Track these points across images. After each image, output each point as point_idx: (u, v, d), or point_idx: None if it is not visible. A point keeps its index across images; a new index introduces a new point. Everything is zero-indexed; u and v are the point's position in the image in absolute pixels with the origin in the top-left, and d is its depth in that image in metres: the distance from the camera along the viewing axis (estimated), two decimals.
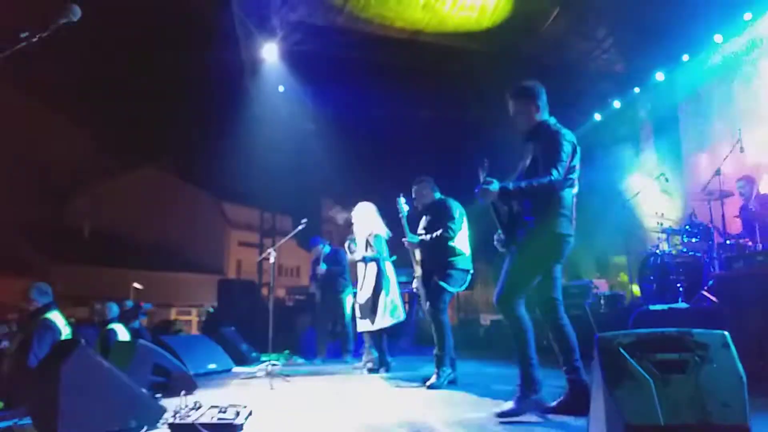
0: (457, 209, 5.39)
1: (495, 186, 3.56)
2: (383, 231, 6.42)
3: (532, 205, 3.69)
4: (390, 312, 6.16)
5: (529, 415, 3.60)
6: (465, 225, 5.42)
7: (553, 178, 3.51)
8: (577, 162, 3.75)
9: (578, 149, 3.77)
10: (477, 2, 8.94)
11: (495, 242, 3.88)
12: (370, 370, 6.33)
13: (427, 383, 5.02)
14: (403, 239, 5.54)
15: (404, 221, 5.58)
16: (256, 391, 5.19)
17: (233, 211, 29.57)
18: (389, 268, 6.34)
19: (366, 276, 6.37)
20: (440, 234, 5.22)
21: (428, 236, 5.33)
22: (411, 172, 5.77)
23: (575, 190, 3.78)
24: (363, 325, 6.35)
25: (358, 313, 6.45)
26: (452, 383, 5.05)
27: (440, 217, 5.33)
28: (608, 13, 8.97)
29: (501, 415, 3.49)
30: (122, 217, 25.93)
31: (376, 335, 6.38)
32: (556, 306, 3.80)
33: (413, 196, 5.63)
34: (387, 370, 6.34)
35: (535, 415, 3.62)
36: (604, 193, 9.17)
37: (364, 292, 6.30)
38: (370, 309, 6.21)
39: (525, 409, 3.50)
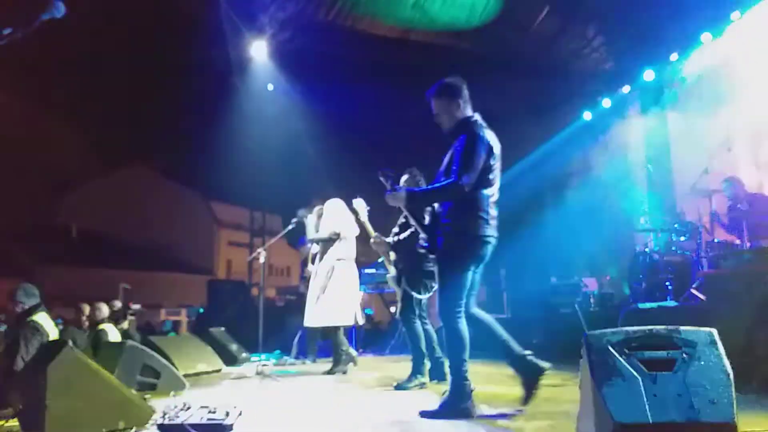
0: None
1: (402, 192, 3.65)
2: (344, 230, 6.34)
3: (448, 209, 3.74)
4: (336, 312, 6.14)
5: (514, 414, 3.62)
6: None
7: (461, 182, 3.54)
8: (494, 161, 3.76)
9: (495, 149, 3.78)
10: (467, 1, 8.97)
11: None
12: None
13: (396, 384, 5.07)
14: (371, 240, 5.45)
15: (365, 223, 5.52)
16: (247, 391, 5.20)
17: (222, 210, 29.47)
18: (341, 270, 6.25)
19: (317, 272, 6.34)
20: (410, 234, 5.16)
21: (396, 237, 5.30)
22: (400, 171, 5.74)
23: (493, 190, 3.78)
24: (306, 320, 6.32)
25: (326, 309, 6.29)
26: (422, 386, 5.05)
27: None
28: (597, 12, 9.02)
29: (423, 414, 3.55)
30: (110, 217, 25.79)
31: (313, 331, 6.41)
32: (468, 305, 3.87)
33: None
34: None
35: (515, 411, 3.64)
36: (593, 192, 9.23)
37: (313, 289, 6.28)
38: (312, 304, 6.22)
39: (448, 415, 3.49)
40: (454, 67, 10.98)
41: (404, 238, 5.23)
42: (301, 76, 10.77)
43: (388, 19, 9.41)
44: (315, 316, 6.21)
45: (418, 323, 5.24)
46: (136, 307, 9.81)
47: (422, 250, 3.91)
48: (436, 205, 3.88)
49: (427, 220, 3.95)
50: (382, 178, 3.79)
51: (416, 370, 5.11)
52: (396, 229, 5.45)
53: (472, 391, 3.63)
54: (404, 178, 5.54)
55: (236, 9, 9.09)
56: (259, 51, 9.91)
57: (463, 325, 3.68)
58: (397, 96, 10.34)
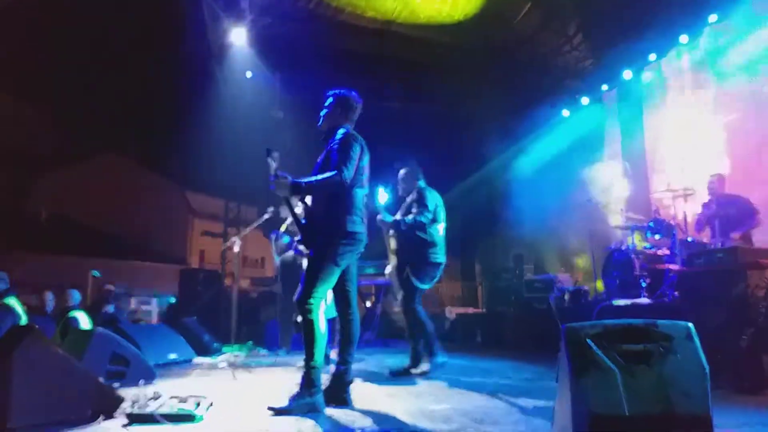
0: (434, 200, 5.44)
1: (287, 180, 3.68)
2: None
3: (324, 204, 3.83)
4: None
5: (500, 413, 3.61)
6: (443, 216, 5.47)
7: (343, 175, 3.69)
8: (366, 163, 3.96)
9: (366, 151, 3.97)
10: None
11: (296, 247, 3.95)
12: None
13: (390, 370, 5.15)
14: (378, 216, 5.42)
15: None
16: (218, 381, 5.13)
17: (197, 200, 29.11)
18: None
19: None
20: (414, 221, 5.24)
21: (403, 218, 5.32)
22: (379, 162, 5.71)
23: (365, 191, 3.99)
24: None
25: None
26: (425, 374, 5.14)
27: (413, 206, 5.38)
28: (579, 10, 9.08)
29: (271, 409, 3.50)
30: (82, 204, 25.32)
31: (287, 323, 6.27)
32: (349, 298, 4.03)
33: (399, 181, 5.66)
34: None
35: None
36: (569, 188, 9.31)
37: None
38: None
39: (298, 410, 3.48)
40: (435, 60, 10.96)
41: (407, 223, 5.26)
42: (280, 64, 10.67)
43: (369, 10, 9.35)
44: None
45: (422, 312, 5.31)
46: (119, 290, 9.63)
47: (300, 247, 3.95)
48: (309, 201, 3.94)
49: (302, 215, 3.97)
50: (269, 160, 3.77)
51: (418, 359, 5.21)
52: (398, 217, 5.46)
53: (318, 384, 3.64)
54: (400, 173, 5.61)
55: None
56: (238, 37, 9.74)
57: (320, 317, 3.72)
58: (378, 87, 10.33)
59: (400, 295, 5.37)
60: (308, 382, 3.58)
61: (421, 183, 5.61)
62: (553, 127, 10.45)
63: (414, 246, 5.30)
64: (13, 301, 5.24)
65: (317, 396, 3.58)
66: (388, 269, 5.64)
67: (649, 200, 8.33)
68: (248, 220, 13.20)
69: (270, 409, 3.48)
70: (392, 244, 5.49)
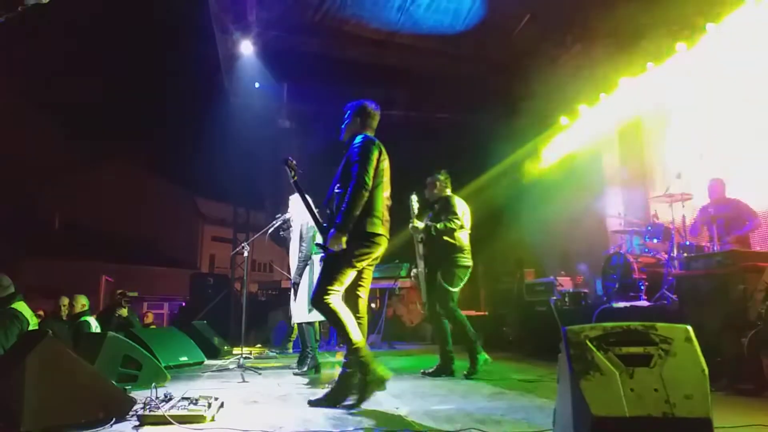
0: (461, 207, 5.61)
1: (332, 232, 3.74)
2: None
3: (344, 206, 3.85)
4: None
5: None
6: (468, 223, 5.63)
7: (363, 181, 3.77)
8: (386, 166, 4.04)
9: (386, 155, 4.05)
10: (451, 6, 9.04)
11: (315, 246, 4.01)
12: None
13: (465, 373, 5.30)
14: (410, 224, 5.59)
15: (413, 213, 5.62)
16: (228, 383, 5.19)
17: (207, 206, 29.30)
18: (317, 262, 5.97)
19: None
20: (444, 227, 5.40)
21: (435, 224, 5.47)
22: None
23: (387, 193, 4.05)
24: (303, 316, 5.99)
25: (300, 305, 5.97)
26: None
27: (442, 213, 5.56)
28: (577, 20, 9.10)
29: (311, 402, 3.74)
30: (95, 210, 25.50)
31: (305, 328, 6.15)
32: (358, 303, 4.07)
33: (427, 187, 5.87)
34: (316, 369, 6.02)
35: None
36: (569, 193, 9.33)
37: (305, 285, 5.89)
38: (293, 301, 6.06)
39: (369, 394, 3.68)
40: (437, 70, 10.96)
41: (438, 230, 5.43)
42: (288, 74, 10.78)
43: (373, 22, 9.44)
44: (293, 312, 6.11)
45: (460, 313, 5.48)
46: (132, 294, 9.70)
47: (320, 249, 4.00)
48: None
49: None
50: (287, 168, 3.87)
51: (448, 361, 5.45)
52: (427, 221, 5.62)
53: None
54: (427, 180, 5.84)
55: (224, 7, 9.05)
56: (246, 49, 9.91)
57: (339, 305, 3.77)
58: (382, 96, 10.39)
59: (424, 298, 5.59)
60: (360, 365, 3.69)
61: (449, 191, 5.81)
62: (552, 134, 10.48)
63: (443, 251, 5.48)
64: (20, 306, 5.28)
65: (371, 375, 3.68)
66: (414, 272, 5.83)
67: (647, 204, 8.33)
68: (257, 225, 13.31)
69: (310, 402, 3.74)
70: (420, 249, 5.66)
